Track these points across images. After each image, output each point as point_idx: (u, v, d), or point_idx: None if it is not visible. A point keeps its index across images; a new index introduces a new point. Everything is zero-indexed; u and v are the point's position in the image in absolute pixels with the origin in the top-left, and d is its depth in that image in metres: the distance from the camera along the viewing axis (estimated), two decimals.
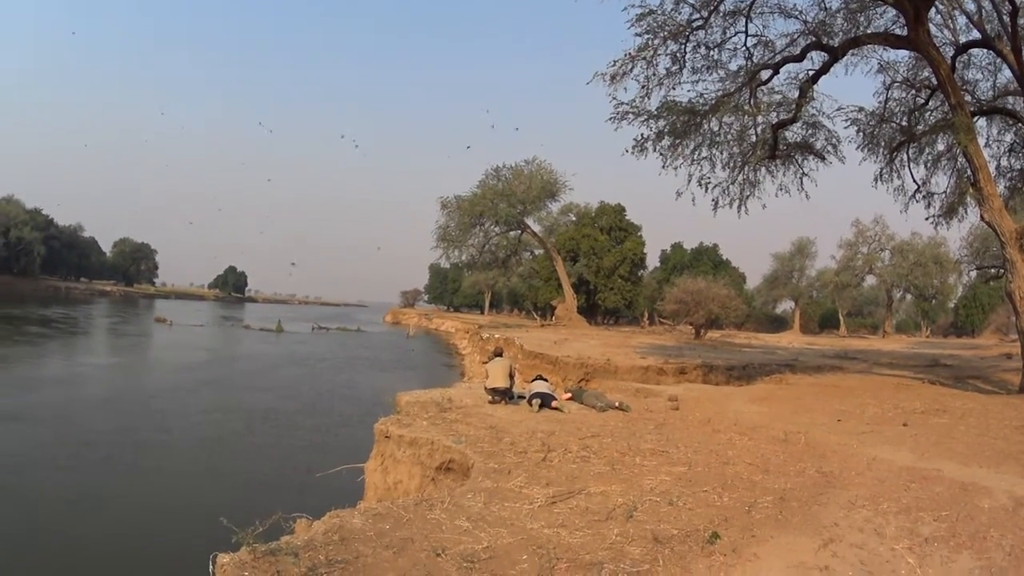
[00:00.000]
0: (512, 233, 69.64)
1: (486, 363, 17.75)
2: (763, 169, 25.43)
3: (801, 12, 22.41)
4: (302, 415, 31.20)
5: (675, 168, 24.36)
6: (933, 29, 21.63)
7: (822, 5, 22.34)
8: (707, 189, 25.09)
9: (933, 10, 20.89)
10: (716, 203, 25.42)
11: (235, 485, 20.57)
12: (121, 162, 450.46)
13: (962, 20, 23.17)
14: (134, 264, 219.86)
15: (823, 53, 22.75)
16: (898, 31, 21.64)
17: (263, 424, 28.73)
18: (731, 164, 25.13)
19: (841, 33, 22.86)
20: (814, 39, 22.47)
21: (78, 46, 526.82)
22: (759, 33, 22.69)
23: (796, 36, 22.86)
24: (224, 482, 20.89)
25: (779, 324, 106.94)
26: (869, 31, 22.43)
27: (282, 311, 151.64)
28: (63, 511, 17.48)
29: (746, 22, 22.20)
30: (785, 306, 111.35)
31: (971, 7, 22.56)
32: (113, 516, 17.49)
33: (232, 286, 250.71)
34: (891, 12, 21.57)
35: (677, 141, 23.82)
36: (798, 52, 22.75)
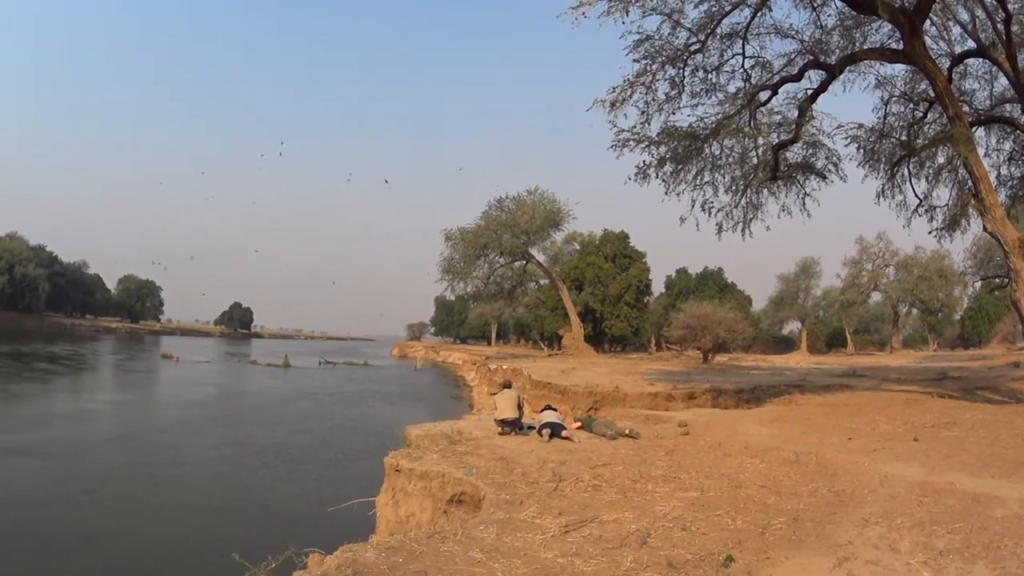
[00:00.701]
0: (517, 264, 69.32)
1: (495, 395, 17.76)
2: (765, 191, 25.44)
3: (797, 32, 22.48)
4: (313, 449, 31.32)
5: (678, 194, 24.41)
6: (928, 41, 21.67)
7: (818, 23, 22.35)
8: (710, 214, 25.12)
9: (928, 22, 20.90)
10: (720, 227, 25.40)
11: (248, 519, 20.59)
12: (128, 202, 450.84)
13: (956, 31, 23.29)
14: (139, 301, 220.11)
15: (821, 71, 22.76)
16: (894, 45, 21.62)
17: (275, 458, 28.86)
18: (733, 187, 25.14)
19: (838, 50, 22.91)
20: (811, 58, 22.50)
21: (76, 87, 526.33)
22: (756, 55, 22.72)
23: (793, 56, 22.92)
24: (237, 516, 20.94)
25: (786, 345, 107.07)
26: (865, 47, 22.46)
27: (288, 346, 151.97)
28: (78, 546, 17.63)
29: (743, 44, 22.21)
30: (792, 327, 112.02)
31: (965, 17, 22.67)
32: (128, 551, 17.59)
33: (238, 322, 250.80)
34: (887, 27, 21.55)
35: (679, 167, 23.85)
36: (796, 72, 22.75)
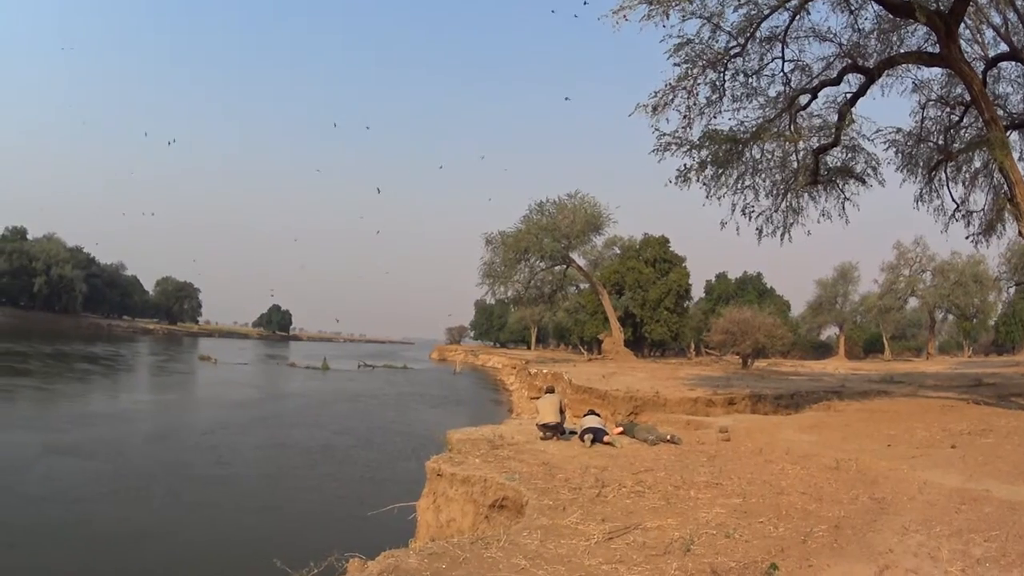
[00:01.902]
0: (557, 268, 69.07)
1: (536, 399, 17.81)
2: (806, 195, 25.35)
3: (835, 35, 22.45)
4: (354, 451, 31.61)
5: (719, 198, 24.36)
6: (963, 45, 21.57)
7: (855, 27, 22.28)
8: (751, 218, 25.09)
9: (962, 25, 20.83)
10: (760, 232, 25.37)
11: (289, 520, 20.82)
12: (166, 201, 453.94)
13: (990, 34, 23.15)
14: (177, 303, 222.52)
15: (859, 75, 22.62)
16: (930, 49, 21.57)
17: (317, 460, 29.15)
18: (774, 191, 25.07)
19: (875, 54, 22.77)
20: (850, 61, 22.40)
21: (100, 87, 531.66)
22: (796, 58, 22.74)
23: (832, 59, 22.85)
24: (279, 517, 21.20)
25: (824, 351, 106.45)
26: (902, 50, 22.39)
27: (327, 349, 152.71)
28: (123, 543, 17.95)
29: (782, 47, 22.20)
30: (829, 332, 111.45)
31: (997, 20, 22.54)
32: (172, 549, 17.86)
33: (276, 324, 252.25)
34: (922, 30, 21.44)
35: (720, 170, 23.76)
36: (835, 75, 22.67)
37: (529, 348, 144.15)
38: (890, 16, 21.35)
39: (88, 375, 62.38)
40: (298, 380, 72.46)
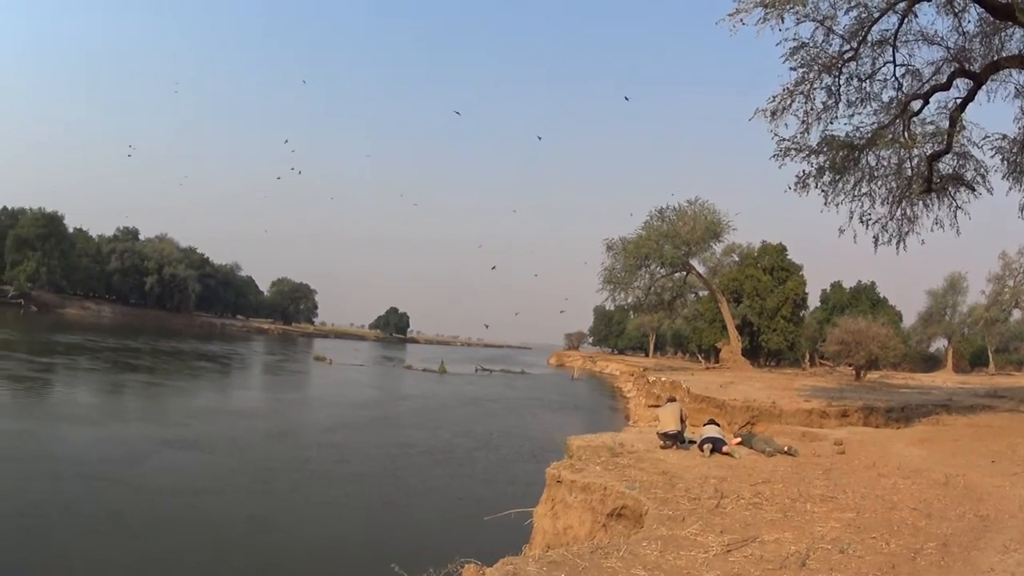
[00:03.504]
0: (677, 275, 67.84)
1: (656, 407, 18.05)
2: (920, 203, 25.06)
3: (942, 38, 22.17)
4: (474, 453, 32.19)
5: (836, 204, 24.22)
6: None
7: (960, 30, 21.95)
8: (867, 226, 24.85)
9: None
10: (876, 240, 25.07)
11: (408, 521, 21.34)
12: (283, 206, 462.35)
13: None
14: (292, 303, 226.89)
15: (967, 80, 22.34)
16: None
17: (437, 461, 29.82)
18: (889, 199, 24.78)
19: (980, 58, 22.46)
20: (958, 65, 22.08)
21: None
22: (906, 62, 22.46)
23: (940, 63, 22.52)
24: (398, 517, 21.75)
25: (932, 363, 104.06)
26: (1003, 54, 22.10)
27: (444, 352, 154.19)
28: (245, 535, 18.86)
29: (893, 51, 21.92)
30: (938, 344, 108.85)
31: None
32: (292, 543, 18.52)
33: (394, 327, 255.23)
34: (1020, 33, 21.23)
35: (837, 177, 23.68)
36: (944, 80, 22.32)
37: (647, 355, 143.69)
38: (992, 19, 21.12)
39: (205, 372, 64.69)
40: (415, 382, 73.43)
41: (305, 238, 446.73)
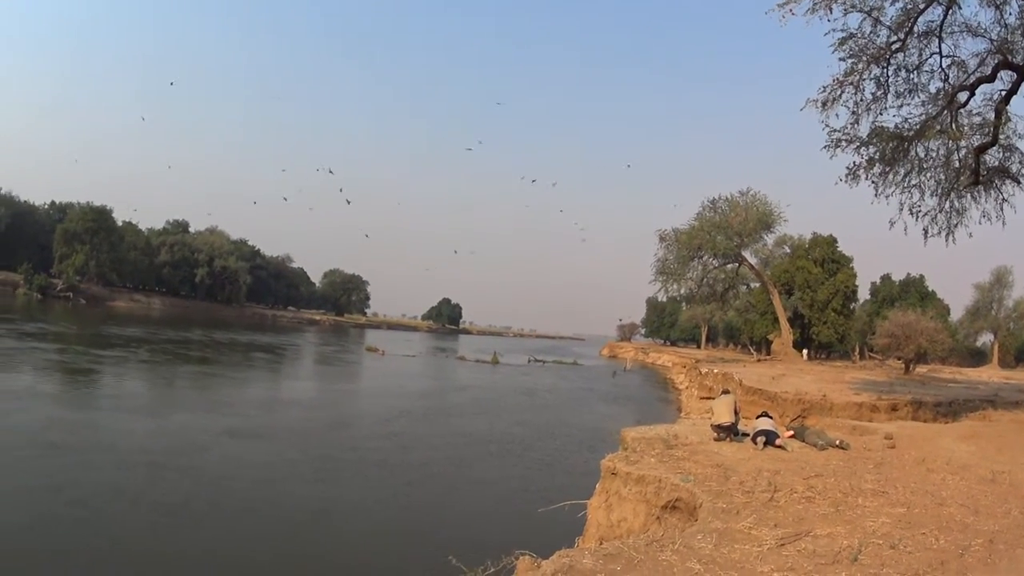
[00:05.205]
0: (729, 266, 67.82)
1: (710, 399, 18.11)
2: (968, 196, 24.94)
3: (986, 30, 21.89)
4: (531, 443, 32.46)
5: (887, 196, 24.18)
6: None
7: (1001, 22, 21.65)
8: (917, 218, 24.73)
9: None
10: (926, 232, 24.91)
11: (467, 511, 21.66)
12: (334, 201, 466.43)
13: None
14: (344, 294, 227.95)
15: (1011, 72, 22.16)
16: None
17: (495, 451, 30.20)
18: (938, 191, 24.66)
19: (1022, 51, 22.51)
20: (1001, 58, 21.84)
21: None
22: (952, 54, 22.32)
23: (985, 55, 22.27)
24: (458, 506, 22.03)
25: (979, 358, 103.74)
26: None
27: (497, 343, 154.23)
28: (308, 522, 19.00)
29: (939, 42, 21.85)
30: (984, 339, 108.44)
31: None
32: (354, 530, 19.03)
33: (446, 317, 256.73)
34: None
35: (887, 168, 23.66)
36: (989, 72, 22.16)
37: (699, 347, 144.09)
38: None
39: (261, 363, 65.61)
40: (469, 373, 73.90)
41: (358, 229, 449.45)
